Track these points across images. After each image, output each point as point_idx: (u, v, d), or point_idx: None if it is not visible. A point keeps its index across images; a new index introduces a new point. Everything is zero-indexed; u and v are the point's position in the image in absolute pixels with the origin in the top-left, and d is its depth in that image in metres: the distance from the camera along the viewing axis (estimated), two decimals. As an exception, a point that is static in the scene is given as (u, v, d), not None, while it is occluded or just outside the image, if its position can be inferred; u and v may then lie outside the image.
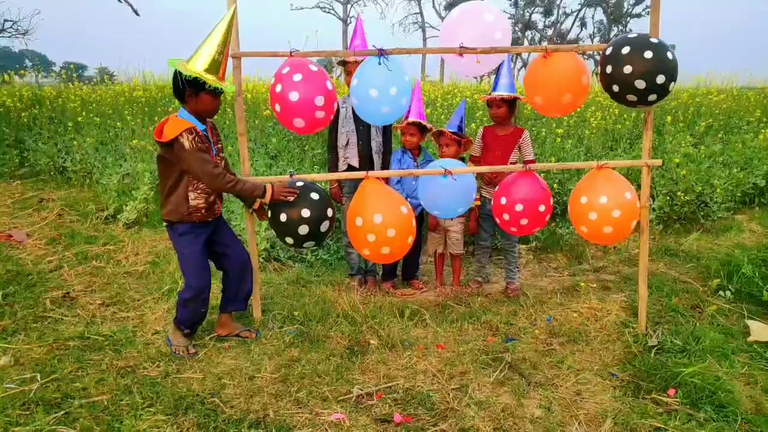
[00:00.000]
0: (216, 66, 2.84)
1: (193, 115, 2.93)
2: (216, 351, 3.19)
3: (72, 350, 3.14)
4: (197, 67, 2.79)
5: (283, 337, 3.32)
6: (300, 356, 3.12)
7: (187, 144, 2.81)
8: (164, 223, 3.12)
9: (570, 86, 3.17)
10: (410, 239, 3.21)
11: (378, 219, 3.05)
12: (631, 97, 2.93)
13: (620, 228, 3.17)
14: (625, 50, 2.87)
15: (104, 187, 5.75)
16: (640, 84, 2.84)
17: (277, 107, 3.10)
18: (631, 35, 2.98)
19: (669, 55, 2.83)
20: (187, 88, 2.85)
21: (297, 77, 3.02)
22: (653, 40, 2.89)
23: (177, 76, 2.83)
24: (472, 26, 3.18)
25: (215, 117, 3.20)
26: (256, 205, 3.15)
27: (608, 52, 2.97)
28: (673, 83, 2.87)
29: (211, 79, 2.80)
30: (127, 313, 3.67)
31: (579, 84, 3.18)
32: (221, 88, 2.88)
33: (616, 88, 2.94)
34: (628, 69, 2.84)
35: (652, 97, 2.88)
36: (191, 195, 2.96)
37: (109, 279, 4.23)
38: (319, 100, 3.04)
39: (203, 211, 3.02)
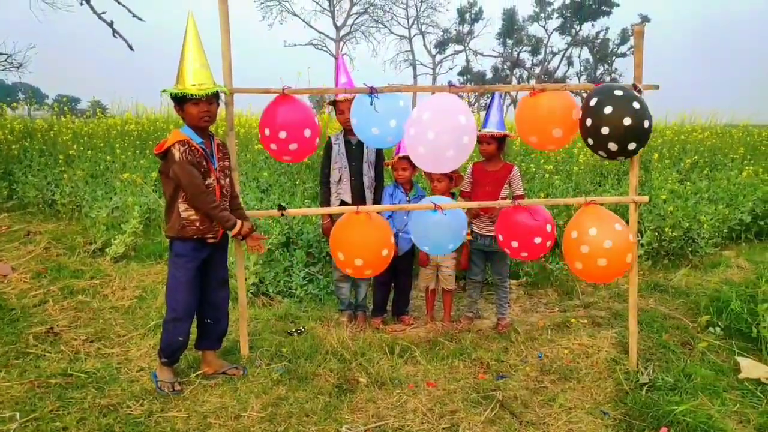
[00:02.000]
0: (197, 75, 2.90)
1: (192, 129, 2.99)
2: (202, 389, 3.12)
3: (54, 388, 3.06)
4: (185, 83, 2.89)
5: (270, 375, 3.26)
6: (287, 394, 3.06)
7: (177, 155, 2.86)
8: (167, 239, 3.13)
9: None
10: (385, 251, 3.31)
11: (358, 263, 3.24)
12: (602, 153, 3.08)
13: (614, 261, 3.14)
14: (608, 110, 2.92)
15: (93, 221, 5.72)
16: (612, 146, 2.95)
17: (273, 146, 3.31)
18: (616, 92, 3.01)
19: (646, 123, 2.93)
20: (176, 105, 2.98)
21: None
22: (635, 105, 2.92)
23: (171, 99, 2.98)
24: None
25: (214, 129, 3.23)
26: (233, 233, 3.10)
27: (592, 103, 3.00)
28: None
29: (172, 89, 2.89)
30: (111, 349, 3.60)
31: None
32: (194, 94, 2.88)
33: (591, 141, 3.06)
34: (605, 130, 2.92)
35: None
36: (181, 207, 2.95)
37: (94, 314, 4.16)
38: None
39: (198, 224, 2.98)
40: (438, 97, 3.17)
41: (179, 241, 3.02)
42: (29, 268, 4.91)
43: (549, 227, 3.45)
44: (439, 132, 3.02)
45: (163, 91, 2.95)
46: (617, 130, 2.89)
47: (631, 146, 2.94)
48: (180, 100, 2.94)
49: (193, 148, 2.93)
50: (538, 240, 3.41)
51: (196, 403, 2.96)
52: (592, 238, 3.11)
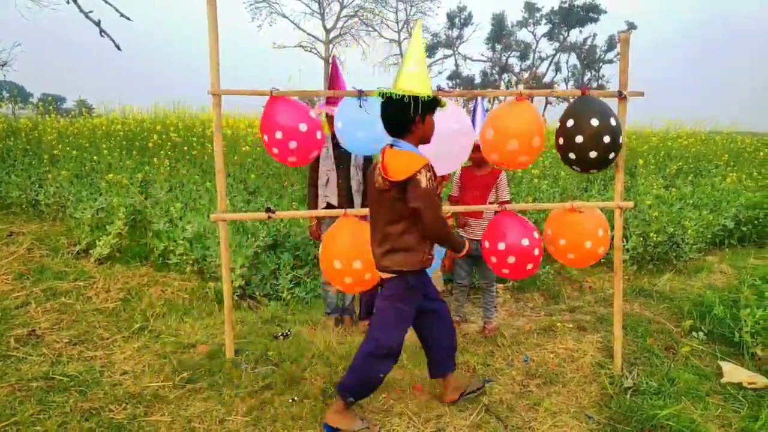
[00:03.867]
0: (429, 85, 2.58)
1: (417, 145, 2.63)
2: (186, 393, 3.09)
3: (35, 391, 3.01)
4: (414, 87, 2.49)
5: (256, 379, 3.24)
6: (273, 398, 3.04)
7: (424, 182, 2.47)
8: (386, 275, 2.71)
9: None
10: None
11: (357, 265, 3.03)
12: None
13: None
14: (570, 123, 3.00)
15: (77, 222, 5.64)
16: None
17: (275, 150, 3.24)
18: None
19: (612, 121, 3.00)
20: (417, 113, 2.54)
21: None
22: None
23: (397, 103, 2.51)
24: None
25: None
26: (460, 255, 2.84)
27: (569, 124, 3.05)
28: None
29: (443, 100, 2.63)
30: (94, 352, 3.56)
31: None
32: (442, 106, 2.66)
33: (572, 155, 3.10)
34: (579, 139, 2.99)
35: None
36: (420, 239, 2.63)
37: (77, 316, 4.10)
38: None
39: (431, 253, 2.71)
40: None
41: (415, 275, 2.70)
42: (11, 269, 4.83)
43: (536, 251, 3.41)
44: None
45: (432, 95, 2.56)
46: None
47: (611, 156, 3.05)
48: (428, 109, 2.59)
49: (434, 171, 2.57)
50: (525, 242, 3.40)
51: (180, 407, 2.93)
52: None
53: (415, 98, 2.47)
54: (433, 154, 3.03)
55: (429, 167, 2.52)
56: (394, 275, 2.69)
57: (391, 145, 2.63)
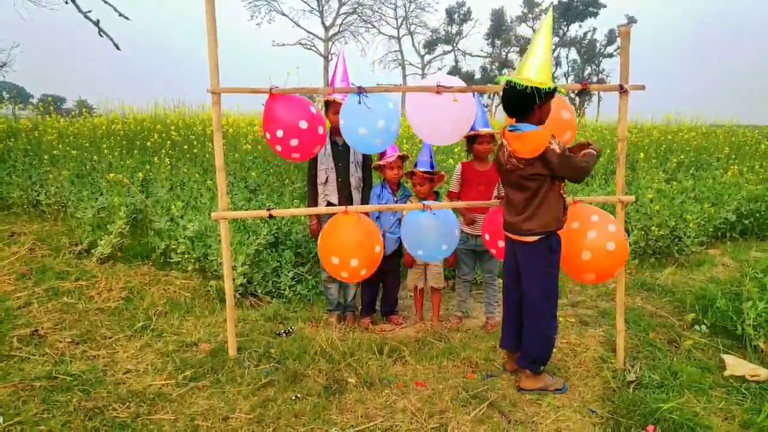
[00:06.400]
0: (550, 73, 2.82)
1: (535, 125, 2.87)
2: (189, 391, 3.10)
3: (38, 391, 3.02)
4: (534, 76, 2.72)
5: (259, 376, 3.25)
6: (276, 396, 3.05)
7: (558, 148, 2.76)
8: (528, 238, 2.96)
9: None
10: (377, 248, 3.39)
11: (354, 263, 3.19)
12: None
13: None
14: None
15: (79, 221, 5.65)
16: None
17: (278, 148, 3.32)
18: None
19: None
20: (541, 102, 2.79)
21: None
22: None
23: (517, 91, 2.75)
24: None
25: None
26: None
27: None
28: None
29: (561, 88, 2.87)
30: (97, 351, 3.56)
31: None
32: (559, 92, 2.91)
33: None
34: None
35: None
36: (556, 197, 2.93)
37: (80, 316, 4.11)
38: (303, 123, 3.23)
39: (566, 212, 3.02)
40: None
41: (556, 235, 2.99)
42: (13, 270, 4.84)
43: None
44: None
45: (551, 86, 2.76)
46: None
47: None
48: (549, 97, 2.82)
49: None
50: None
51: (183, 406, 2.94)
52: (576, 231, 3.15)
53: (536, 88, 2.69)
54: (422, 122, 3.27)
55: (554, 136, 2.79)
56: (537, 238, 2.94)
57: (511, 130, 2.87)
